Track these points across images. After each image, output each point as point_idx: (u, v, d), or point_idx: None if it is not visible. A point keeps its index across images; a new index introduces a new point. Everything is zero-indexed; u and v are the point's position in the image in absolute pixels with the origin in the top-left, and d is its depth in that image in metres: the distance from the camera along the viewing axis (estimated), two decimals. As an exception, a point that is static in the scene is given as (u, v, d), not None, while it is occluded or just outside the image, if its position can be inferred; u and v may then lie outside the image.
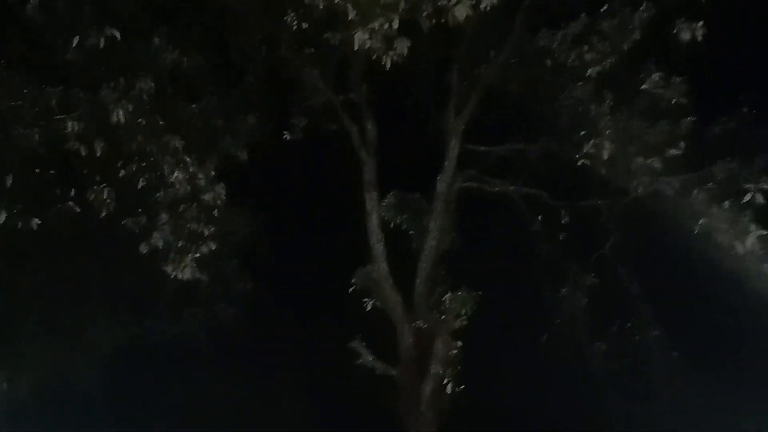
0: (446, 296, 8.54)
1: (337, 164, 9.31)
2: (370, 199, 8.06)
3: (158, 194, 8.16)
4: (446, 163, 7.94)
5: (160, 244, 8.44)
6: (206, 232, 8.43)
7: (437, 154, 8.10)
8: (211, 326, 12.49)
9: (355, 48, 5.87)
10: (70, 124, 5.40)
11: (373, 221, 8.10)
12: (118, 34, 5.60)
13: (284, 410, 12.43)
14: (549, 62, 7.51)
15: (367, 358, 8.40)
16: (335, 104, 8.32)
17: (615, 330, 9.82)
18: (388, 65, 6.17)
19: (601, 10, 7.32)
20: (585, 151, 6.93)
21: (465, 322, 8.53)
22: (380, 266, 8.14)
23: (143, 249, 8.58)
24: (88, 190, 6.24)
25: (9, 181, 5.13)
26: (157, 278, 11.19)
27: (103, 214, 6.62)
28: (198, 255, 8.28)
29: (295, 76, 8.91)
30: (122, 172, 6.58)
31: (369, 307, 8.68)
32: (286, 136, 9.81)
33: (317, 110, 9.46)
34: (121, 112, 5.72)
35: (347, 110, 8.38)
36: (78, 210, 6.23)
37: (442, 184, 7.97)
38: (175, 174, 6.91)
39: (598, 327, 9.91)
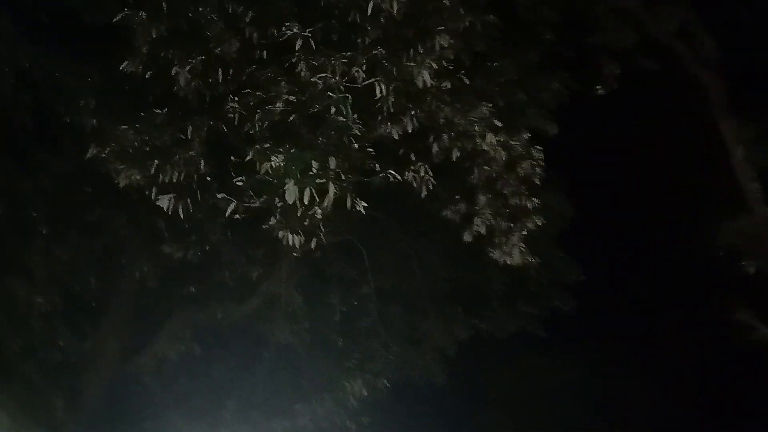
0: None
1: (666, 108, 7.83)
2: (728, 128, 6.44)
3: (472, 176, 7.86)
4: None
5: (483, 229, 8.05)
6: (530, 206, 7.80)
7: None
8: (547, 322, 11.78)
9: None
10: (378, 88, 5.18)
11: (739, 155, 6.42)
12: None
13: (645, 413, 10.91)
14: None
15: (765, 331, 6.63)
16: (654, 30, 6.95)
17: None
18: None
19: None
20: None
21: None
22: (760, 213, 6.37)
23: (467, 237, 8.27)
24: (405, 170, 6.00)
25: (332, 164, 5.09)
26: (485, 272, 10.98)
27: (424, 193, 6.32)
28: (525, 233, 7.62)
29: (597, 15, 7.83)
30: (435, 147, 6.23)
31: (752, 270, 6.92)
32: (599, 90, 8.76)
33: (629, 49, 8.22)
34: (426, 74, 5.37)
35: (671, 32, 6.97)
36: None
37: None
38: (488, 138, 6.33)
39: None
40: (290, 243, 5.65)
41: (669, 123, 7.77)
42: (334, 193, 5.01)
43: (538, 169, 7.29)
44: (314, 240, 5.70)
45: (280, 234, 5.84)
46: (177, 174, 5.85)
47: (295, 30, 4.87)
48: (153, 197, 5.98)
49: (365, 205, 5.51)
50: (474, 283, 10.83)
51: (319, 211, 5.09)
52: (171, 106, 6.06)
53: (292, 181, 4.96)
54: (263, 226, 5.94)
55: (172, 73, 5.61)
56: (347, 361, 9.98)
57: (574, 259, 10.94)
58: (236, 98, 5.38)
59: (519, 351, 11.81)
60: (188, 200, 5.93)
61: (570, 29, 7.90)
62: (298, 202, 5.11)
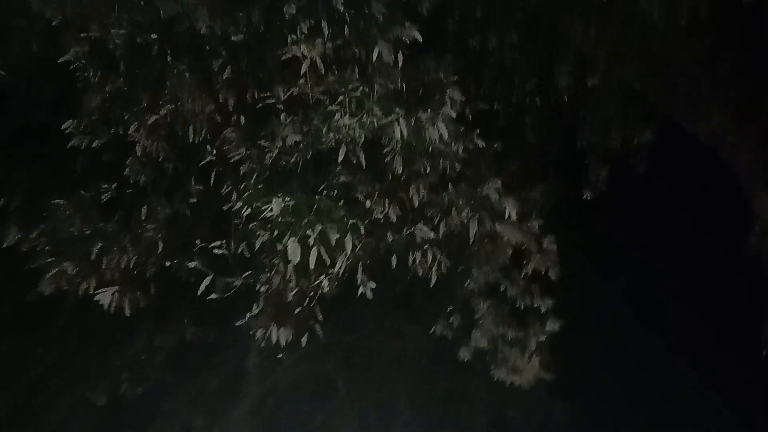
0: None
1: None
2: (763, 202, 5.83)
3: (470, 278, 6.83)
4: None
5: (485, 342, 6.86)
6: (543, 308, 6.75)
7: None
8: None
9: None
10: (398, 128, 4.12)
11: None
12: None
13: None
14: None
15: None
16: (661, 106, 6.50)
17: None
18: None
19: None
20: None
21: None
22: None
23: (464, 355, 7.04)
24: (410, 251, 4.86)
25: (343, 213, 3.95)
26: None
27: (433, 281, 5.15)
28: (543, 339, 6.45)
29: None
30: (442, 227, 5.20)
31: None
32: (586, 195, 8.17)
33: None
34: (442, 126, 4.45)
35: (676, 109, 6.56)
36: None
37: None
38: (508, 212, 5.40)
39: None
40: (274, 340, 4.32)
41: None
42: (351, 252, 3.83)
43: (550, 264, 6.42)
44: (306, 336, 4.40)
45: (259, 332, 4.53)
46: (126, 260, 4.56)
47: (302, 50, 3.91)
48: (92, 292, 4.62)
49: (373, 286, 4.35)
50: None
51: (327, 284, 3.86)
52: (122, 181, 4.93)
53: (294, 237, 3.77)
54: (236, 324, 4.63)
55: (130, 132, 4.54)
56: None
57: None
58: (214, 151, 4.32)
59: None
60: (138, 293, 4.58)
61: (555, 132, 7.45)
62: (293, 276, 3.88)
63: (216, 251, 4.09)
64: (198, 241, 4.50)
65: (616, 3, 5.54)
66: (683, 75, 6.82)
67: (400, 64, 4.60)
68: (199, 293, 4.17)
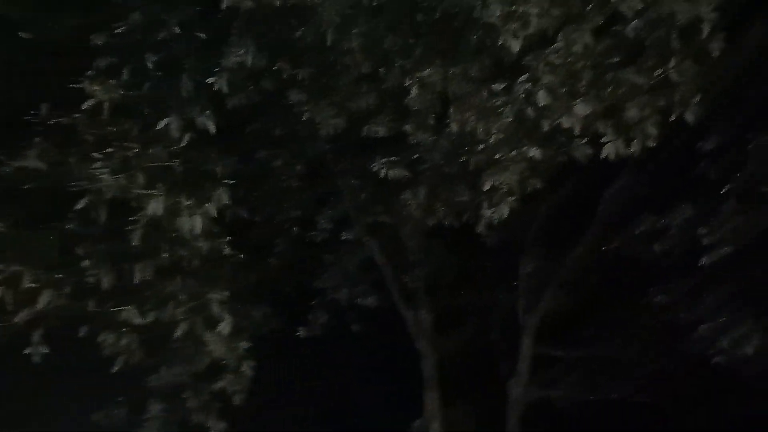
0: None
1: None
2: (431, 400, 6.47)
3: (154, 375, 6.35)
4: (519, 365, 6.67)
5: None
6: (213, 430, 6.37)
7: (510, 353, 6.86)
8: None
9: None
10: (153, 203, 3.85)
11: (436, 428, 6.38)
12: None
13: None
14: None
15: None
16: (390, 286, 7.10)
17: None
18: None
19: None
20: (718, 348, 5.64)
21: None
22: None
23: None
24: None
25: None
26: None
27: (117, 367, 4.65)
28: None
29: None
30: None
31: None
32: (300, 333, 8.37)
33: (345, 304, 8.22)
34: (198, 220, 4.29)
35: (400, 293, 7.20)
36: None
37: (515, 390, 6.56)
38: (221, 327, 5.24)
39: None
40: None
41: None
42: (40, 306, 3.33)
43: (239, 388, 6.23)
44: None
45: None
46: None
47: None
48: None
49: (45, 351, 3.81)
50: None
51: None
52: None
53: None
54: None
55: None
56: None
57: None
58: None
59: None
60: None
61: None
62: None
63: None
64: None
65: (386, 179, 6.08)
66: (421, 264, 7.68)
67: (183, 144, 4.54)
68: None
